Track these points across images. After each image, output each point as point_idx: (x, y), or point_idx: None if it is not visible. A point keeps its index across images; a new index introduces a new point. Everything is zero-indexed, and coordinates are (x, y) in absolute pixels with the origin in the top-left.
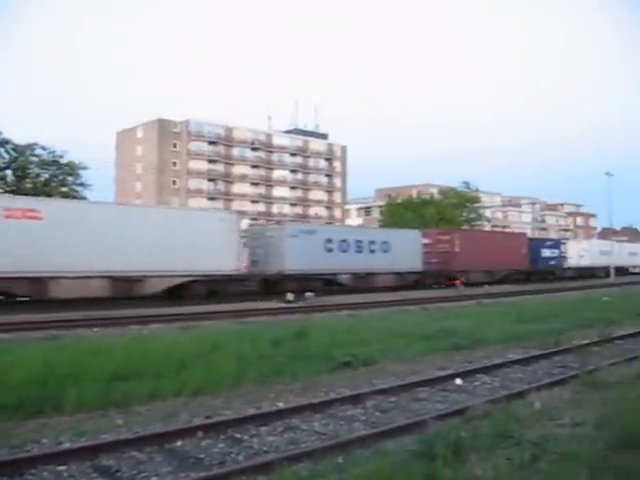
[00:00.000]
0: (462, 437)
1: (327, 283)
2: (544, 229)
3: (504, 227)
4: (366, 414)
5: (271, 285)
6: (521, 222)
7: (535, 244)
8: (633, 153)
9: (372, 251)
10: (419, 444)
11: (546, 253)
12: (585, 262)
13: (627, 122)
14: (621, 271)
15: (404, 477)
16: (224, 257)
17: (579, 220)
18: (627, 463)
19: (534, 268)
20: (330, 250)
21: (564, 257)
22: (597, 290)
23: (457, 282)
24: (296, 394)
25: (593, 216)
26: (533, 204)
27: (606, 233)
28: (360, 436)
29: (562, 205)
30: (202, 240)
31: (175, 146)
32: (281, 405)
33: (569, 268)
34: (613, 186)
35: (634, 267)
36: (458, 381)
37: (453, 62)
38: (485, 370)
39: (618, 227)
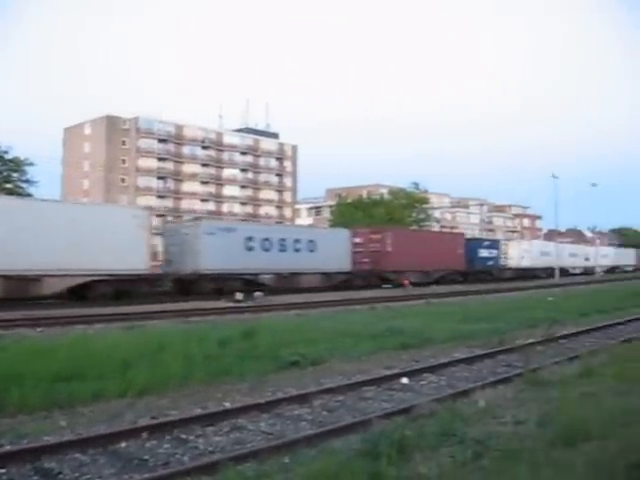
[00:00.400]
0: (407, 436)
1: (247, 283)
2: (492, 230)
3: (452, 228)
4: (313, 413)
5: (186, 285)
6: (469, 223)
7: (472, 244)
8: (578, 155)
9: (297, 250)
10: (364, 443)
11: (484, 253)
12: (526, 263)
13: (570, 126)
14: (561, 272)
15: (348, 476)
16: (132, 255)
17: (526, 222)
18: (567, 459)
19: (471, 268)
20: (251, 249)
21: (503, 258)
22: (542, 290)
23: (405, 282)
24: (243, 394)
25: (539, 218)
26: (481, 205)
27: (551, 235)
28: (306, 435)
29: (509, 207)
30: (107, 237)
31: (124, 143)
32: (228, 405)
33: (509, 269)
34: (558, 189)
35: (574, 268)
36: (404, 380)
37: (405, 63)
38: (431, 369)
39: (563, 229)
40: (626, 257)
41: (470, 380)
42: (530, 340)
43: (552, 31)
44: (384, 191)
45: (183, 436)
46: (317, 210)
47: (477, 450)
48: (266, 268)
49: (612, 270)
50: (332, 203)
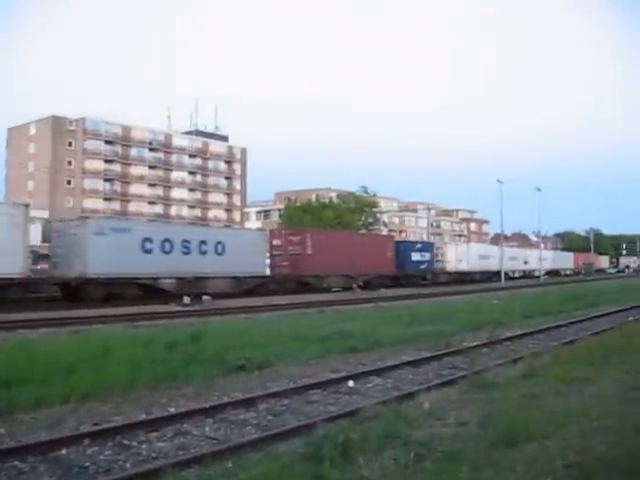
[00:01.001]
0: (351, 439)
1: (144, 289)
2: (439, 234)
3: (401, 232)
4: (258, 417)
5: (72, 291)
6: (417, 227)
7: (404, 247)
8: (523, 161)
9: (203, 252)
10: (308, 447)
11: (416, 257)
12: (463, 266)
13: (517, 131)
14: (498, 275)
15: (291, 479)
16: (4, 258)
17: (473, 226)
18: (507, 460)
19: (402, 272)
20: (149, 251)
21: (438, 261)
22: (488, 293)
23: (354, 286)
24: (188, 398)
25: (486, 222)
26: (429, 209)
27: (498, 239)
28: (251, 440)
29: (457, 211)
30: None
31: (70, 144)
32: (172, 410)
33: (445, 272)
34: (504, 193)
35: (514, 272)
36: (351, 383)
37: (354, 67)
38: (378, 372)
39: (509, 233)
40: (564, 261)
41: (416, 382)
42: (475, 342)
43: (498, 38)
44: (333, 195)
45: (126, 442)
46: (266, 214)
47: (420, 452)
48: (167, 272)
49: (552, 274)
50: (281, 207)
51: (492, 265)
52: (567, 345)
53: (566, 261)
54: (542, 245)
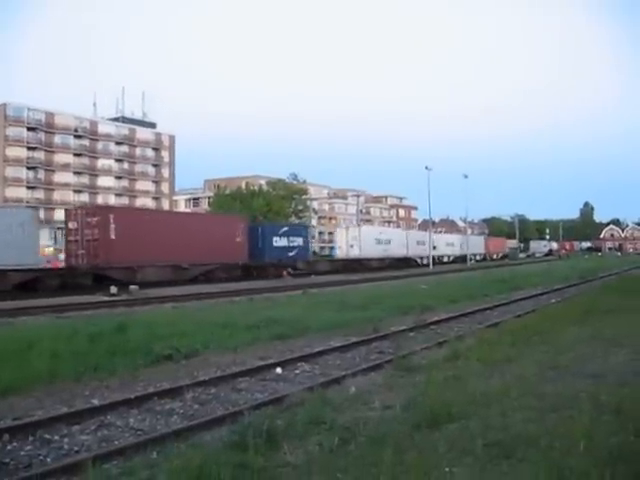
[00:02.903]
0: (276, 425)
1: None
2: (369, 220)
3: (331, 219)
4: (184, 407)
5: None
6: (347, 214)
7: (262, 231)
8: (451, 149)
9: None
10: (233, 435)
11: (280, 242)
12: (355, 253)
13: (445, 119)
14: (406, 262)
15: (214, 468)
16: None
17: (402, 212)
18: (431, 441)
19: (259, 261)
20: None
21: (330, 246)
22: (416, 279)
23: (284, 273)
24: (112, 390)
25: (415, 208)
26: (358, 196)
27: (426, 224)
28: (176, 430)
29: (386, 198)
30: None
31: None
32: (96, 402)
33: (331, 260)
34: (433, 180)
35: (422, 258)
36: (278, 370)
37: (284, 53)
38: (306, 358)
39: (437, 219)
40: (474, 246)
41: (343, 368)
42: (403, 327)
43: (420, 27)
44: (263, 182)
45: (47, 436)
46: (195, 201)
47: (345, 437)
48: None
49: (461, 259)
50: (211, 194)
51: (394, 251)
52: (491, 327)
53: (476, 246)
54: (469, 231)
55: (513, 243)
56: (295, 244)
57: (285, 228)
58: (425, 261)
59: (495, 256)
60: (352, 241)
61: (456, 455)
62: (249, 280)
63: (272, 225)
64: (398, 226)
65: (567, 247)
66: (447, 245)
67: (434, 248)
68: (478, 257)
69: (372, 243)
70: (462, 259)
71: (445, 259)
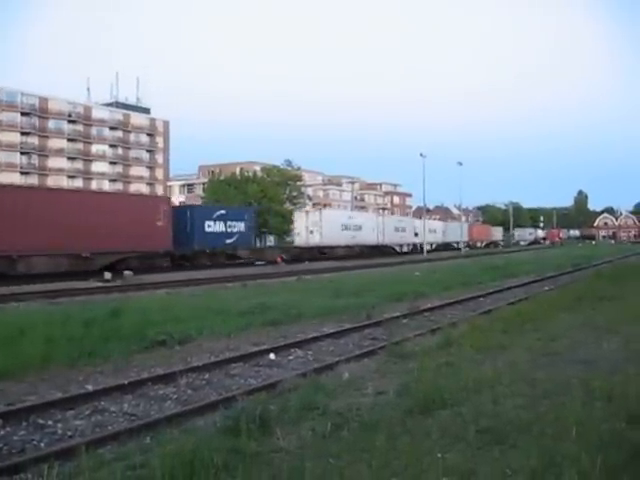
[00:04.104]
0: (269, 411)
1: None
2: (363, 207)
3: (325, 205)
4: (178, 392)
5: None
6: (342, 200)
7: (191, 213)
8: (447, 135)
9: None
10: (226, 420)
11: (215, 227)
12: (315, 240)
13: (443, 109)
14: (379, 250)
15: (207, 453)
16: None
17: (396, 199)
18: (423, 427)
19: (186, 248)
20: None
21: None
22: (410, 265)
23: (278, 259)
24: (107, 375)
25: (409, 195)
26: (352, 183)
27: (420, 211)
28: (170, 415)
29: (380, 185)
30: None
31: None
32: (90, 388)
33: (286, 247)
34: (428, 167)
35: (401, 245)
36: (272, 356)
37: (278, 38)
38: (299, 344)
39: (432, 206)
40: (457, 233)
41: (336, 354)
42: (396, 313)
43: (415, 10)
44: (257, 168)
45: (41, 421)
46: (190, 187)
47: (337, 422)
48: None
49: (444, 247)
50: (205, 180)
51: (365, 238)
52: (484, 315)
53: (459, 233)
54: (463, 218)
55: (499, 230)
56: (235, 229)
57: (221, 211)
58: (405, 249)
59: (479, 244)
60: (312, 226)
61: (448, 441)
62: (181, 271)
63: (205, 207)
64: (392, 213)
65: (555, 235)
66: (430, 232)
67: (415, 235)
68: (462, 245)
69: (337, 229)
70: (444, 247)
71: (427, 247)
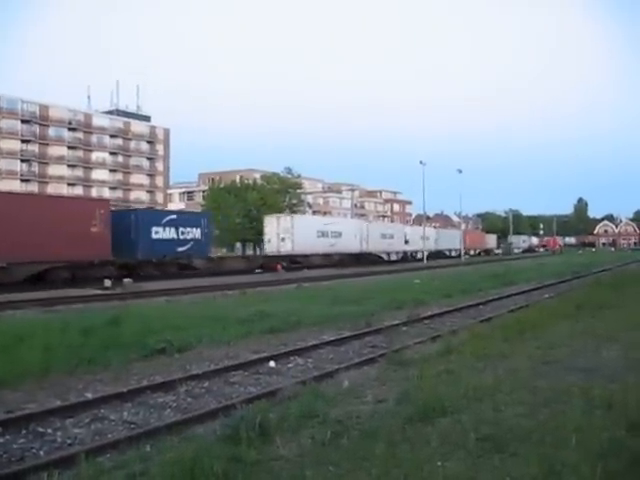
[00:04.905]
0: (269, 419)
1: None
2: (363, 215)
3: (325, 213)
4: (178, 400)
5: None
6: (342, 208)
7: (136, 218)
8: (446, 143)
9: None
10: (226, 428)
11: (165, 234)
12: (287, 248)
13: (443, 116)
14: (365, 259)
15: (207, 461)
16: None
17: (396, 207)
18: (423, 435)
19: (130, 258)
20: None
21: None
22: (410, 273)
23: (278, 267)
24: (106, 383)
25: (409, 203)
26: (352, 190)
27: (420, 219)
28: (169, 423)
29: (380, 192)
30: None
31: None
32: (89, 396)
33: (249, 257)
34: (427, 175)
35: (388, 254)
36: (272, 364)
37: (277, 47)
38: (299, 352)
39: (432, 214)
40: (450, 240)
41: (336, 362)
42: (396, 321)
43: (412, 20)
44: (257, 176)
45: (40, 429)
46: (190, 195)
47: (337, 430)
48: None
49: (435, 255)
50: (205, 188)
51: (346, 245)
52: (484, 322)
53: (452, 241)
54: (463, 225)
55: (493, 238)
56: (189, 236)
57: (172, 216)
58: (393, 257)
59: (473, 252)
60: (283, 233)
61: (448, 449)
62: (181, 279)
63: (152, 211)
64: (392, 221)
65: (551, 243)
66: (421, 239)
67: (406, 242)
68: (454, 253)
69: (311, 236)
70: (436, 255)
71: (419, 255)
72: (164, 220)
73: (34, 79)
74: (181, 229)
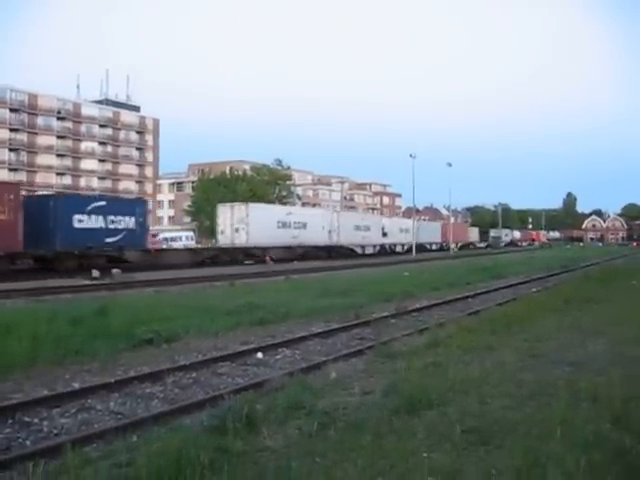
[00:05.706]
0: (256, 410)
1: None
2: (353, 207)
3: (314, 205)
4: (165, 391)
5: None
6: (331, 200)
7: (54, 205)
8: (436, 137)
9: None
10: (212, 419)
11: (90, 223)
12: (241, 240)
13: (433, 110)
14: (335, 252)
15: (194, 451)
16: None
17: (386, 199)
18: (409, 427)
19: (47, 249)
20: None
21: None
22: (399, 266)
23: (267, 259)
24: (93, 374)
25: (399, 196)
26: (342, 183)
27: (410, 212)
28: (156, 413)
29: (370, 185)
30: None
31: None
32: (76, 385)
33: (196, 250)
34: (417, 168)
35: (363, 247)
36: (259, 355)
37: (268, 37)
38: (287, 344)
39: (421, 207)
40: (430, 233)
41: (324, 353)
42: (384, 314)
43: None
44: (247, 167)
45: (27, 419)
46: (179, 185)
47: (324, 421)
48: None
49: (418, 249)
50: (194, 178)
51: (311, 237)
52: (472, 315)
53: (432, 234)
54: (452, 219)
55: (475, 231)
56: (121, 226)
57: (100, 203)
58: (369, 250)
59: (454, 246)
60: (238, 224)
61: (434, 441)
62: (170, 269)
63: (74, 197)
64: (381, 213)
65: (534, 237)
66: (401, 232)
67: (384, 235)
68: (434, 246)
69: (270, 227)
70: (418, 248)
71: (399, 248)
72: (89, 207)
73: (23, 68)
74: (111, 217)
